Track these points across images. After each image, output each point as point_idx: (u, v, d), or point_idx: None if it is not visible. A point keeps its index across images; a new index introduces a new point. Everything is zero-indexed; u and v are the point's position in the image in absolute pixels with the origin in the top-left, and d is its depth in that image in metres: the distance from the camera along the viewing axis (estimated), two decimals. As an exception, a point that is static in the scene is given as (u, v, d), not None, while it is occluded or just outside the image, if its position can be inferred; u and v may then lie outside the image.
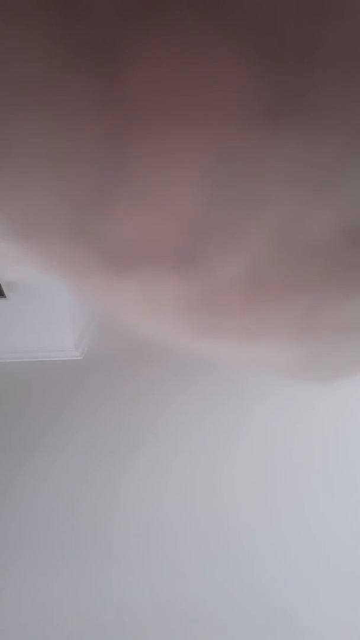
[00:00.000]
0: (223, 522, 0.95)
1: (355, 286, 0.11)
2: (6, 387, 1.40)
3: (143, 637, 0.79)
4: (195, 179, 0.09)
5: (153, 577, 0.87)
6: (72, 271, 0.12)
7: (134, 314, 0.13)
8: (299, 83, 0.08)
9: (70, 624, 0.82)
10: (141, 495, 1.02)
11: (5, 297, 1.42)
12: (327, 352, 0.15)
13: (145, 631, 0.80)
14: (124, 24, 0.07)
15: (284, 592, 0.84)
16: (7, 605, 0.85)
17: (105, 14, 0.07)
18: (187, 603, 0.83)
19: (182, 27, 0.07)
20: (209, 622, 0.81)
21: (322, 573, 0.86)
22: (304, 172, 0.09)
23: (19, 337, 1.48)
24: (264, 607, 0.82)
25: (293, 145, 0.08)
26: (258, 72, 0.07)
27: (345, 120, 0.08)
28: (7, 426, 1.25)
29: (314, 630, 0.78)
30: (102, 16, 0.07)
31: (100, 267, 0.11)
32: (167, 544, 0.92)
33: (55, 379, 1.41)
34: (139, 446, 1.15)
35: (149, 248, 0.10)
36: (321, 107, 0.08)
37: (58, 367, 1.45)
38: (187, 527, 0.95)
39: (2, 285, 1.41)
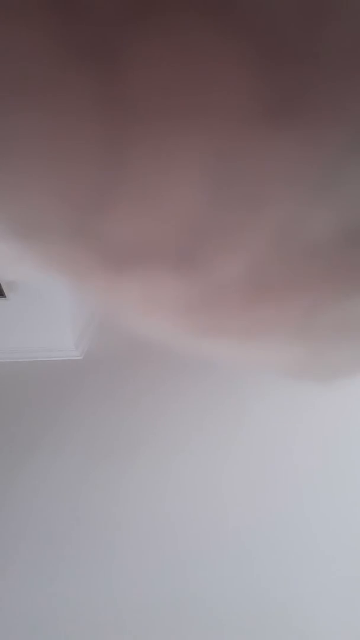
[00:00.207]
0: (223, 521, 0.95)
1: (355, 286, 0.11)
2: (6, 387, 1.40)
3: (143, 636, 0.79)
4: (195, 179, 0.09)
5: (153, 577, 0.87)
6: (72, 271, 0.12)
7: (134, 314, 0.13)
8: (299, 83, 0.08)
9: (70, 624, 0.82)
10: (141, 495, 1.02)
11: (5, 297, 1.42)
12: (327, 352, 0.15)
13: (145, 631, 0.80)
14: (124, 24, 0.07)
15: (284, 592, 0.84)
16: (7, 604, 0.85)
17: (105, 14, 0.07)
18: (187, 603, 0.83)
19: (182, 27, 0.07)
20: (208, 622, 0.81)
21: (321, 573, 0.86)
22: (304, 172, 0.09)
23: (19, 337, 1.48)
24: (264, 607, 0.82)
25: (293, 145, 0.08)
26: (258, 72, 0.07)
27: (345, 120, 0.08)
28: (7, 426, 1.25)
29: (313, 630, 0.78)
30: (102, 16, 0.07)
31: (100, 267, 0.11)
32: (167, 544, 0.92)
33: (55, 379, 1.41)
34: (139, 446, 1.15)
35: (149, 248, 0.10)
36: (321, 107, 0.08)
37: (58, 367, 1.45)
38: (187, 527, 0.95)
39: (2, 285, 1.41)
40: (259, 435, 1.15)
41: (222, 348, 0.15)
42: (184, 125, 0.08)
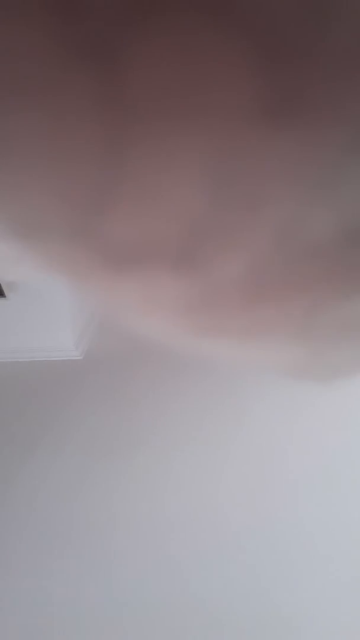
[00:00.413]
0: (222, 521, 0.95)
1: (355, 286, 0.11)
2: (6, 387, 1.40)
3: (142, 636, 0.80)
4: (195, 179, 0.09)
5: (152, 577, 0.87)
6: (72, 271, 0.12)
7: (134, 314, 0.13)
8: (299, 83, 0.08)
9: (70, 623, 0.82)
10: (141, 495, 1.02)
11: (5, 297, 1.42)
12: (327, 352, 0.15)
13: (144, 631, 0.80)
14: (124, 24, 0.07)
15: (283, 592, 0.84)
16: (7, 604, 0.85)
17: (106, 14, 0.07)
18: (186, 603, 0.83)
19: (182, 28, 0.07)
20: (207, 622, 0.81)
21: (320, 573, 0.86)
22: (304, 172, 0.09)
23: (19, 337, 1.48)
24: (263, 607, 0.82)
25: (293, 145, 0.08)
26: (258, 72, 0.07)
27: (345, 120, 0.08)
28: (7, 426, 1.25)
29: (313, 631, 0.78)
30: (102, 16, 0.07)
31: (100, 267, 0.11)
32: (167, 544, 0.92)
33: (55, 379, 1.41)
34: (138, 446, 1.15)
35: (149, 248, 0.10)
36: (321, 107, 0.08)
37: (58, 367, 1.45)
38: (186, 527, 0.95)
39: (2, 285, 1.41)
40: (258, 435, 1.15)
41: (222, 348, 0.15)
42: (184, 125, 0.08)
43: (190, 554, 0.90)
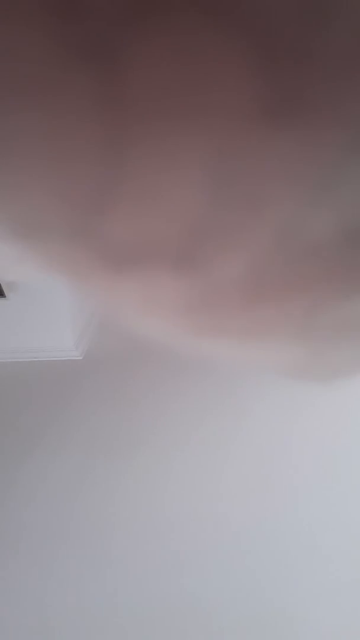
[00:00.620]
0: (222, 521, 0.95)
1: (355, 286, 0.11)
2: (6, 387, 1.40)
3: (141, 636, 0.80)
4: (196, 179, 0.09)
5: (152, 577, 0.87)
6: (72, 271, 0.12)
7: (134, 314, 0.13)
8: (299, 83, 0.08)
9: (69, 623, 0.82)
10: (141, 495, 1.02)
11: (5, 297, 1.42)
12: (327, 352, 0.15)
13: (144, 631, 0.80)
14: (124, 24, 0.07)
15: (282, 592, 0.84)
16: (6, 603, 0.85)
17: (106, 14, 0.07)
18: (186, 602, 0.83)
19: (182, 28, 0.07)
20: (207, 621, 0.81)
21: (320, 573, 0.86)
22: (304, 172, 0.09)
23: (19, 337, 1.48)
24: (263, 608, 0.82)
25: (293, 146, 0.08)
26: (258, 72, 0.07)
27: (345, 120, 0.08)
28: (7, 426, 1.25)
29: (313, 631, 0.78)
30: (102, 16, 0.07)
31: (100, 267, 0.11)
32: (167, 544, 0.92)
33: (55, 379, 1.41)
34: (138, 446, 1.15)
35: (149, 248, 0.10)
36: (321, 107, 0.08)
37: (58, 367, 1.45)
38: (186, 527, 0.95)
39: (2, 285, 1.41)
40: (258, 435, 1.15)
41: (222, 348, 0.15)
42: (184, 125, 0.08)
43: (190, 554, 0.90)
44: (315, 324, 0.13)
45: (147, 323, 0.14)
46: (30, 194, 0.09)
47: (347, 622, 0.79)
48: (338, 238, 0.10)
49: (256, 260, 0.10)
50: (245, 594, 0.84)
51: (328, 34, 0.07)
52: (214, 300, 0.12)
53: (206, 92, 0.08)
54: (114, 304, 0.13)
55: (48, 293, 1.39)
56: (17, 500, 1.04)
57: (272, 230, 0.10)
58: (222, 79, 0.08)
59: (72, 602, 0.85)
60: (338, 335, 0.14)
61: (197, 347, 0.15)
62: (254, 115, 0.08)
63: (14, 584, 0.88)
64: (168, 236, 0.10)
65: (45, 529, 0.97)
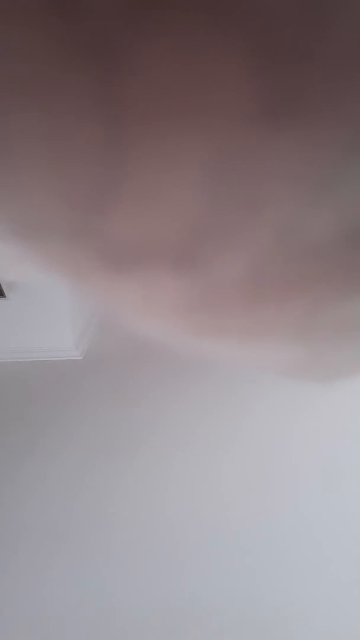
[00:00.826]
0: (222, 521, 0.95)
1: (355, 286, 0.11)
2: (6, 387, 1.40)
3: (141, 636, 0.80)
4: (196, 179, 0.09)
5: (151, 577, 0.87)
6: (72, 271, 0.12)
7: (134, 314, 0.13)
8: (299, 83, 0.08)
9: (69, 623, 0.82)
10: (141, 495, 1.02)
11: (5, 297, 1.42)
12: (327, 352, 0.15)
13: (143, 632, 0.80)
14: (124, 24, 0.07)
15: (282, 592, 0.84)
16: (6, 603, 0.85)
17: (106, 14, 0.07)
18: (186, 602, 0.83)
19: (182, 28, 0.07)
20: (207, 621, 0.81)
21: (320, 573, 0.86)
22: (304, 172, 0.09)
23: (19, 337, 1.48)
24: (262, 607, 0.82)
25: (293, 145, 0.08)
26: (258, 72, 0.07)
27: (345, 120, 0.08)
28: (7, 426, 1.25)
29: (313, 631, 0.78)
30: (102, 16, 0.07)
31: (100, 267, 0.11)
32: (166, 544, 0.92)
33: (55, 379, 1.41)
34: (138, 446, 1.15)
35: (149, 248, 0.10)
36: (321, 107, 0.08)
37: (58, 367, 1.45)
38: (186, 527, 0.95)
39: (2, 285, 1.41)
40: (258, 435, 1.15)
41: (222, 348, 0.15)
42: (184, 125, 0.08)
43: (190, 554, 0.90)
44: (315, 324, 0.13)
45: (147, 323, 0.14)
46: (30, 194, 0.09)
47: (347, 622, 0.79)
48: (338, 238, 0.10)
49: (256, 260, 0.10)
50: (245, 593, 0.84)
51: (328, 34, 0.07)
52: (214, 300, 0.12)
53: (206, 92, 0.08)
54: (114, 304, 0.13)
55: (48, 293, 1.39)
56: (17, 500, 1.04)
57: (272, 230, 0.10)
58: (222, 79, 0.08)
59: (72, 602, 0.85)
60: (338, 335, 0.14)
61: (197, 347, 0.15)
62: (254, 115, 0.08)
63: (13, 584, 0.88)
64: (168, 236, 0.10)
65: (45, 528, 0.97)
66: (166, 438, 1.17)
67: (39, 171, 0.09)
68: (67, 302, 1.43)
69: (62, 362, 1.47)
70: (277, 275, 0.11)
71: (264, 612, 0.81)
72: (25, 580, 0.88)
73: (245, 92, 0.08)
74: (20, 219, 0.10)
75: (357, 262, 0.11)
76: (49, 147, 0.08)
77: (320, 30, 0.07)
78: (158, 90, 0.08)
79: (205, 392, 1.29)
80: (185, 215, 0.09)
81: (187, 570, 0.88)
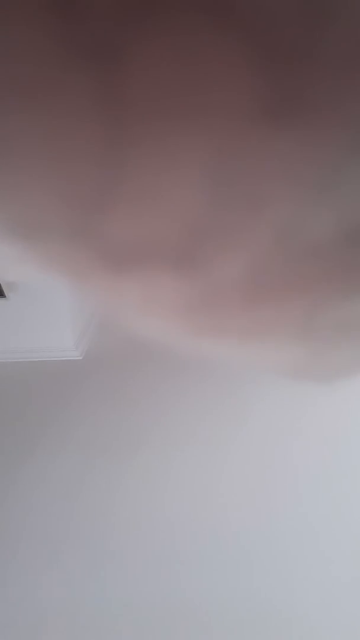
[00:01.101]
0: (222, 522, 0.95)
1: (355, 286, 0.11)
2: (6, 387, 1.40)
3: (140, 636, 0.79)
4: (195, 179, 0.09)
5: (151, 577, 0.87)
6: (72, 271, 0.12)
7: (134, 314, 0.13)
8: (299, 83, 0.08)
9: (68, 623, 0.82)
10: (141, 495, 1.02)
11: (5, 297, 1.42)
12: (327, 352, 0.15)
13: (143, 631, 0.80)
14: (125, 24, 0.07)
15: (282, 592, 0.84)
16: (6, 602, 0.85)
17: (106, 14, 0.07)
18: (185, 602, 0.83)
19: (183, 28, 0.07)
20: (206, 621, 0.81)
21: (321, 573, 0.86)
22: (304, 172, 0.09)
23: (19, 337, 1.48)
24: (263, 607, 0.82)
25: (293, 145, 0.08)
26: (258, 72, 0.07)
27: (345, 120, 0.08)
28: (7, 426, 1.25)
29: (313, 632, 0.78)
30: (102, 16, 0.07)
31: (100, 267, 0.11)
32: (166, 544, 0.92)
33: (55, 379, 1.41)
34: (138, 446, 1.15)
35: (149, 248, 0.10)
36: (321, 107, 0.08)
37: (58, 367, 1.45)
38: (186, 527, 0.95)
39: (2, 285, 1.41)
40: (258, 435, 1.15)
41: (222, 348, 0.15)
42: (184, 125, 0.08)
43: (190, 554, 0.90)
44: (315, 324, 0.13)
45: (147, 323, 0.14)
46: (30, 194, 0.09)
47: (347, 622, 0.79)
48: (338, 238, 0.10)
49: (256, 260, 0.10)
50: (245, 593, 0.84)
51: (328, 34, 0.07)
52: (214, 300, 0.12)
53: (206, 92, 0.08)
54: (114, 304, 0.13)
55: (48, 293, 1.39)
56: (17, 500, 1.04)
57: (272, 230, 0.10)
58: (222, 79, 0.08)
59: (71, 601, 0.85)
60: (338, 335, 0.14)
61: (197, 347, 0.15)
62: (254, 115, 0.08)
63: (13, 584, 0.88)
64: (168, 236, 0.10)
65: (45, 529, 0.97)
66: (166, 438, 1.17)
67: (39, 171, 0.09)
68: (67, 302, 1.43)
69: (62, 362, 1.47)
70: (277, 275, 0.11)
71: (264, 612, 0.81)
72: (25, 580, 0.88)
73: (245, 92, 0.08)
74: (20, 219, 0.10)
75: (357, 262, 0.11)
76: (49, 147, 0.08)
77: (320, 30, 0.07)
78: (158, 90, 0.08)
79: (205, 392, 1.29)
80: (185, 215, 0.09)
81: (187, 571, 0.88)
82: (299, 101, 0.08)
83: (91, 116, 0.08)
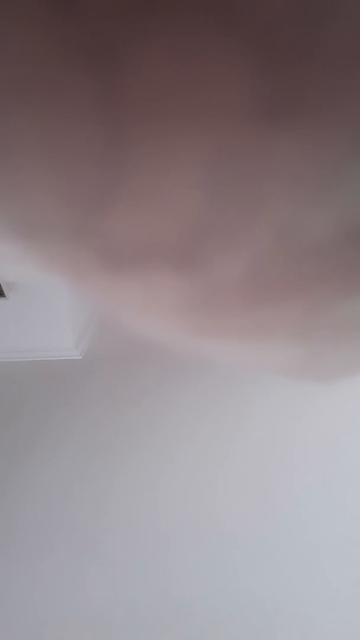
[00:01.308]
0: (222, 521, 0.95)
1: (355, 286, 0.11)
2: (6, 387, 1.40)
3: (138, 635, 0.80)
4: (195, 179, 0.09)
5: (149, 576, 0.87)
6: (72, 271, 0.12)
7: (134, 314, 0.13)
8: (299, 83, 0.08)
9: (67, 621, 0.82)
10: (140, 495, 1.02)
11: (5, 297, 1.42)
12: (327, 352, 0.15)
13: (141, 630, 0.80)
14: (124, 24, 0.07)
15: (282, 592, 0.84)
16: (3, 602, 0.85)
17: (106, 14, 0.07)
18: (184, 602, 0.83)
19: (182, 28, 0.07)
20: (205, 621, 0.81)
21: (319, 573, 0.86)
22: (304, 172, 0.09)
23: (18, 337, 1.48)
24: (261, 607, 0.82)
25: (293, 145, 0.08)
26: (258, 72, 0.07)
27: (345, 120, 0.08)
28: (7, 425, 1.25)
29: (312, 632, 0.78)
30: (102, 16, 0.07)
31: (101, 267, 0.11)
32: (166, 544, 0.92)
33: (55, 378, 1.41)
34: (138, 446, 1.15)
35: (149, 248, 0.10)
36: (321, 107, 0.08)
37: (58, 367, 1.45)
38: (185, 527, 0.95)
39: (2, 285, 1.41)
40: (258, 435, 1.15)
41: (222, 348, 0.15)
42: (184, 125, 0.08)
43: (189, 554, 0.90)
44: (315, 324, 0.13)
45: (147, 323, 0.14)
46: (30, 194, 0.09)
47: (347, 622, 0.79)
48: (338, 238, 0.10)
49: (256, 260, 0.10)
50: (243, 593, 0.84)
51: (328, 34, 0.07)
52: (214, 300, 0.12)
53: (206, 92, 0.08)
54: (114, 304, 0.13)
55: (48, 293, 1.39)
56: (16, 499, 1.04)
57: (272, 230, 0.10)
58: (222, 79, 0.08)
59: (69, 601, 0.85)
60: (338, 335, 0.14)
61: (197, 347, 0.15)
62: (254, 115, 0.08)
63: (11, 582, 0.88)
64: (168, 236, 0.10)
65: (44, 528, 0.97)
66: (166, 438, 1.17)
67: (39, 171, 0.09)
68: (67, 302, 1.43)
69: (62, 362, 1.47)
70: (277, 275, 0.11)
71: (262, 612, 0.81)
72: (23, 579, 0.88)
73: (245, 92, 0.08)
74: (20, 219, 0.10)
75: (357, 262, 0.11)
76: (49, 147, 0.08)
77: (320, 30, 0.07)
78: (158, 90, 0.08)
79: (205, 392, 1.29)
80: (185, 215, 0.09)
81: (186, 570, 0.88)
82: (299, 101, 0.08)
83: (91, 116, 0.08)
